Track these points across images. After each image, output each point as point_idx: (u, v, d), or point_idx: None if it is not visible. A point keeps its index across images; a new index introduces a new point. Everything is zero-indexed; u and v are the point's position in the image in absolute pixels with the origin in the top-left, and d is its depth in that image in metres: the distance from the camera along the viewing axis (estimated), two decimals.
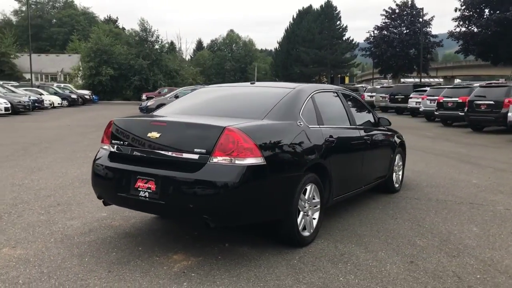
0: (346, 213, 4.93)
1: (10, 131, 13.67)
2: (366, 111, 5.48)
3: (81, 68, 42.72)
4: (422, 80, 43.29)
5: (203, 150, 3.23)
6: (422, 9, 41.70)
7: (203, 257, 3.53)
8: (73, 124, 16.54)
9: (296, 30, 60.93)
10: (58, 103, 28.81)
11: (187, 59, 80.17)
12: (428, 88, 22.45)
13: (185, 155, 3.28)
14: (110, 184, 3.59)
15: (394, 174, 5.97)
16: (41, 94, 27.79)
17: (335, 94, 4.83)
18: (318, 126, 4.08)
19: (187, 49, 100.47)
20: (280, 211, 3.57)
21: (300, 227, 3.78)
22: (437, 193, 6.05)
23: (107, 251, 3.59)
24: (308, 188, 3.85)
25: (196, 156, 3.24)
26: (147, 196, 3.33)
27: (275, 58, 67.10)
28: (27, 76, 54.57)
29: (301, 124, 3.84)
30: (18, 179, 6.20)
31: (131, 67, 42.04)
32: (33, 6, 75.69)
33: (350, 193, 4.78)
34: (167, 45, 45.92)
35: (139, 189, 3.38)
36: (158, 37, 44.11)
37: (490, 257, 3.73)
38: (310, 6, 62.43)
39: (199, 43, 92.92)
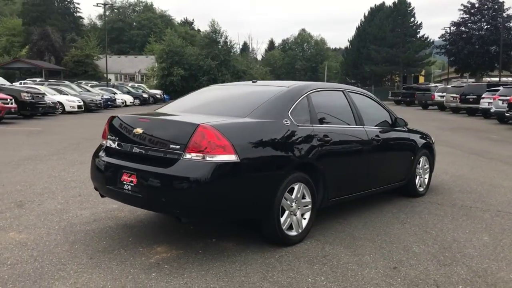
0: (352, 215, 4.82)
1: (75, 127, 14.74)
2: (381, 112, 5.29)
3: (154, 69, 44.82)
4: (504, 79, 40.30)
5: (178, 146, 3.36)
6: (503, 3, 38.84)
7: (184, 250, 3.65)
8: None
9: (367, 28, 59.38)
10: (130, 102, 30.50)
11: (259, 58, 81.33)
12: (501, 88, 20.90)
13: (162, 151, 3.43)
14: (102, 177, 3.83)
15: (417, 177, 5.71)
16: (114, 93, 29.60)
17: (340, 93, 4.73)
18: (310, 126, 4.04)
19: (258, 49, 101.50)
20: (259, 209, 3.59)
21: (285, 226, 3.77)
22: (466, 199, 5.70)
23: (99, 240, 3.84)
24: (296, 187, 3.83)
25: (171, 152, 3.37)
26: (129, 189, 3.52)
27: (345, 57, 65.89)
28: (109, 76, 58.39)
29: (287, 123, 3.82)
30: (57, 171, 6.74)
31: (200, 67, 43.42)
32: (115, 10, 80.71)
33: (353, 195, 4.67)
34: (236, 45, 46.95)
35: (124, 182, 3.57)
36: (226, 38, 45.18)
37: (485, 268, 3.49)
38: (383, 3, 60.53)
39: (271, 43, 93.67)
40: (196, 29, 77.79)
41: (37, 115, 17.74)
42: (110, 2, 78.87)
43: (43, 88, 20.58)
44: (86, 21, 79.01)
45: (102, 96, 24.87)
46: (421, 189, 5.84)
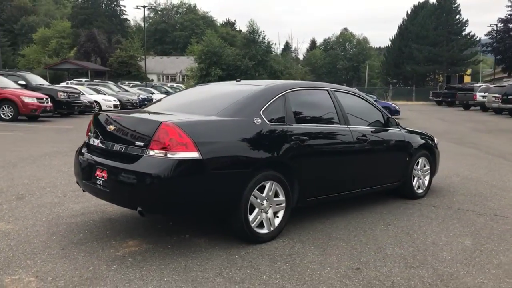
0: (337, 215, 4.78)
1: None
2: (373, 112, 5.21)
3: (193, 69, 45.61)
4: None
5: (142, 143, 3.48)
6: None
7: (155, 245, 3.77)
8: None
9: (409, 26, 57.81)
10: None
11: (301, 58, 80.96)
12: None
13: (129, 147, 3.56)
14: (81, 172, 4.01)
15: (415, 178, 5.58)
16: (152, 93, 30.40)
17: (325, 93, 4.70)
18: (284, 125, 4.06)
19: (298, 49, 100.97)
20: (224, 206, 3.65)
21: (255, 224, 3.81)
22: (466, 202, 5.53)
23: (78, 232, 4.02)
24: (267, 185, 3.86)
25: (136, 149, 3.50)
26: (100, 184, 3.68)
27: (386, 56, 64.44)
28: (151, 77, 59.99)
29: (258, 122, 3.86)
30: (68, 167, 7.05)
31: (237, 67, 43.75)
32: (159, 12, 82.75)
33: (336, 195, 4.65)
34: (276, 45, 46.99)
35: (97, 177, 3.74)
36: (264, 38, 45.27)
37: (452, 272, 3.41)
38: (427, 1, 58.71)
39: (313, 43, 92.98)
40: (238, 29, 78.55)
41: (74, 114, 18.53)
42: (154, 5, 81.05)
43: (82, 88, 21.48)
44: (131, 23, 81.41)
45: (139, 95, 25.60)
46: (420, 191, 5.70)
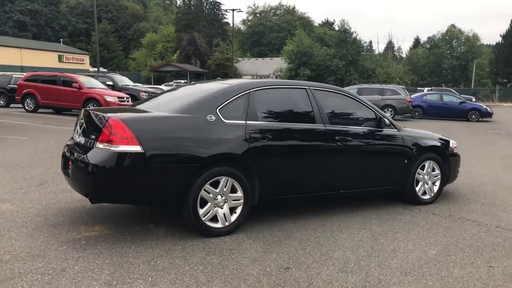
0: (318, 215, 4.72)
1: None
2: (363, 112, 5.02)
3: (282, 70, 46.12)
4: None
5: (94, 137, 3.82)
6: None
7: (115, 231, 4.08)
8: None
9: None
10: None
11: (403, 57, 77.27)
12: None
13: (87, 140, 3.92)
14: (61, 163, 4.47)
15: (420, 183, 5.27)
16: None
17: (302, 91, 4.65)
18: (243, 122, 4.12)
19: (398, 48, 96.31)
20: (170, 198, 3.84)
21: (206, 218, 3.94)
22: (475, 212, 5.10)
23: (60, 216, 4.48)
24: (222, 181, 3.98)
25: (91, 141, 3.85)
26: (69, 173, 4.09)
27: (496, 54, 58.99)
28: (245, 77, 61.79)
29: (211, 119, 3.99)
30: None
31: (327, 68, 43.38)
32: (258, 15, 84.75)
33: (307, 195, 4.59)
34: (375, 44, 45.63)
35: (69, 167, 4.16)
36: (356, 37, 44.24)
37: (383, 280, 3.25)
38: None
39: (416, 41, 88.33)
40: (336, 29, 77.54)
41: None
42: (252, 7, 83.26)
43: (166, 88, 22.98)
44: (231, 26, 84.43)
45: None
46: (426, 197, 5.36)
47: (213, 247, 3.79)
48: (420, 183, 5.31)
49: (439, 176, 5.46)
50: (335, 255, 3.71)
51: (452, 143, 5.69)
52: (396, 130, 5.14)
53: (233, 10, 47.45)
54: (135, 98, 17.71)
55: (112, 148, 3.64)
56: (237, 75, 60.11)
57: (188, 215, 3.88)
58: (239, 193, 4.10)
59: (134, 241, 3.86)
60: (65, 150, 4.39)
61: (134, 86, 19.32)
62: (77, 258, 3.45)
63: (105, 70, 55.55)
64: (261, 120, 4.27)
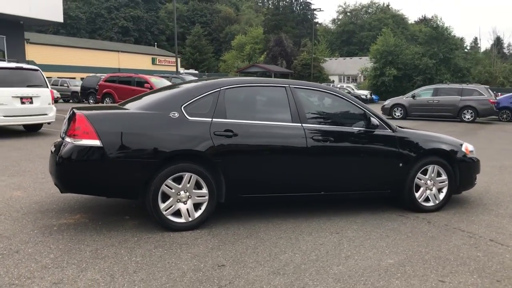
0: (295, 218, 4.62)
1: None
2: (352, 112, 4.79)
3: (367, 69, 44.70)
4: None
5: (65, 131, 4.12)
6: None
7: (91, 220, 4.35)
8: None
9: None
10: None
11: None
12: None
13: (63, 136, 4.24)
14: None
15: (421, 189, 4.91)
16: None
17: (281, 90, 4.56)
18: (209, 119, 4.17)
19: (508, 45, 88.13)
20: (130, 191, 4.02)
21: (168, 212, 4.06)
22: (474, 222, 4.67)
23: (52, 203, 4.85)
24: (185, 177, 4.07)
25: (63, 136, 4.16)
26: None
27: None
28: (332, 78, 60.90)
29: (174, 116, 4.09)
30: None
31: (415, 67, 41.21)
32: (348, 14, 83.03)
33: (281, 195, 4.51)
34: (478, 41, 42.40)
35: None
36: (449, 34, 41.42)
37: (308, 284, 3.13)
38: None
39: None
40: (435, 26, 73.28)
41: None
42: (343, 6, 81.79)
43: None
44: (321, 26, 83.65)
45: None
46: (429, 204, 4.97)
47: (167, 240, 3.90)
48: (422, 188, 4.93)
49: (446, 183, 5.02)
50: (282, 257, 3.62)
51: (466, 147, 5.20)
52: (390, 131, 4.83)
53: (313, 10, 46.90)
54: None
55: (75, 142, 3.91)
56: (323, 75, 59.56)
57: (150, 209, 4.03)
58: (204, 190, 4.16)
59: (101, 230, 4.10)
60: (51, 146, 4.77)
61: None
62: (37, 242, 3.76)
63: (196, 71, 58.23)
64: (230, 118, 4.28)
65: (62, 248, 3.65)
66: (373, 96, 38.70)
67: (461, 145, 5.20)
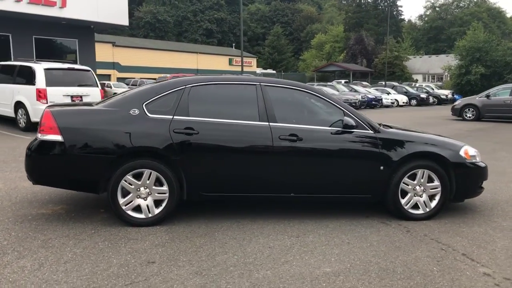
0: (265, 220, 4.50)
1: None
2: (331, 112, 4.54)
3: (451, 68, 41.83)
4: None
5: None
6: None
7: (68, 212, 4.58)
8: None
9: None
10: (403, 102, 29.98)
11: None
12: None
13: None
14: None
15: (408, 195, 4.54)
16: (388, 93, 29.89)
17: (251, 88, 4.44)
18: (170, 117, 4.20)
19: None
20: (91, 185, 4.17)
21: (128, 207, 4.16)
22: (462, 235, 4.22)
23: (39, 193, 5.15)
24: (145, 173, 4.15)
25: None
26: None
27: None
28: (416, 77, 58.01)
29: (134, 113, 4.17)
30: None
31: (507, 64, 37.80)
32: (437, 9, 78.46)
33: (246, 195, 4.39)
34: None
35: None
36: None
37: (219, 286, 3.03)
38: None
39: None
40: None
41: None
42: (431, 1, 77.48)
43: None
44: (406, 23, 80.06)
45: (365, 95, 25.76)
46: (418, 212, 4.59)
47: (120, 235, 3.99)
48: (409, 194, 4.55)
49: (439, 189, 4.58)
50: (219, 258, 3.55)
51: (466, 151, 4.69)
52: (371, 131, 4.51)
53: (389, 6, 44.85)
54: None
55: (41, 137, 4.15)
56: (405, 73, 56.96)
57: (111, 204, 4.16)
58: (165, 187, 4.20)
59: (68, 221, 4.31)
60: None
61: None
62: (2, 229, 4.05)
63: (273, 71, 58.65)
64: (193, 115, 4.27)
65: (20, 236, 3.90)
66: (456, 96, 36.11)
67: (461, 148, 4.70)
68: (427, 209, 4.60)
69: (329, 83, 30.12)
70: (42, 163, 4.19)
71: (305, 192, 4.46)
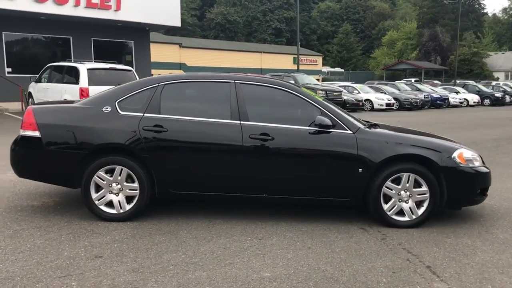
0: (238, 220, 4.42)
1: None
2: (308, 110, 4.33)
3: None
4: None
5: None
6: None
7: (56, 204, 4.80)
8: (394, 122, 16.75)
9: None
10: (474, 102, 27.99)
11: None
12: None
13: None
14: None
15: (392, 200, 4.25)
16: (457, 92, 28.13)
17: (225, 85, 4.36)
18: (140, 114, 4.24)
19: None
20: (66, 180, 4.33)
21: (100, 202, 4.27)
22: (440, 246, 3.82)
23: (42, 186, 5.43)
24: (116, 170, 4.24)
25: None
26: None
27: None
28: (497, 75, 54.05)
29: (106, 110, 4.27)
30: None
31: None
32: None
33: (219, 194, 4.32)
34: None
35: None
36: None
37: (145, 284, 3.02)
38: None
39: None
40: None
41: None
42: None
43: (360, 87, 22.65)
44: (489, 17, 74.87)
45: (428, 95, 24.44)
46: (403, 219, 4.27)
47: (88, 229, 4.09)
48: (393, 199, 4.24)
49: (427, 195, 4.22)
50: (165, 256, 3.53)
51: (460, 154, 4.28)
52: (350, 131, 4.24)
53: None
54: None
55: (22, 133, 4.38)
56: (485, 71, 53.33)
57: (84, 199, 4.29)
58: (136, 184, 4.26)
59: (50, 214, 4.49)
60: None
61: (314, 84, 19.79)
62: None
63: (341, 70, 57.49)
64: (164, 113, 4.29)
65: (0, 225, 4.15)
66: None
67: (454, 151, 4.29)
68: (414, 216, 4.25)
69: (390, 82, 28.91)
70: (23, 158, 4.42)
71: (279, 193, 4.31)
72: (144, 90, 4.38)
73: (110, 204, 4.31)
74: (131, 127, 4.23)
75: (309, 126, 4.27)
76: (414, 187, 4.23)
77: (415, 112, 21.57)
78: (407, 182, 4.21)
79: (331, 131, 4.23)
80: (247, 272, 3.25)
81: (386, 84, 25.85)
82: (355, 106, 20.44)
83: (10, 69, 15.84)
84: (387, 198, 4.26)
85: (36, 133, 4.28)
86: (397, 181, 4.22)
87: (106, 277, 3.13)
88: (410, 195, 4.24)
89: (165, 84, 4.41)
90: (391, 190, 4.22)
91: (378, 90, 23.64)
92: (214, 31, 74.07)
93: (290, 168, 4.24)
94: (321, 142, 4.23)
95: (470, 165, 4.30)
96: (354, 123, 4.33)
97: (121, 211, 4.29)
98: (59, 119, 4.36)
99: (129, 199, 4.31)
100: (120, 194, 4.29)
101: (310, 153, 4.23)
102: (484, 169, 4.38)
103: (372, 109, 21.62)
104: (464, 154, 4.31)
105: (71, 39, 16.81)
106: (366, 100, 21.55)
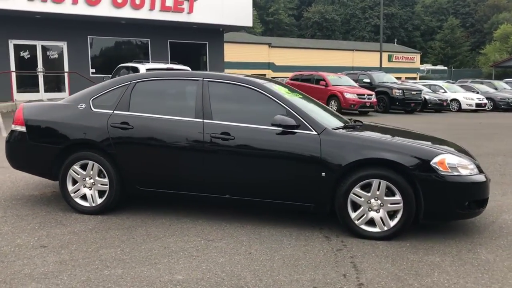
0: (210, 221, 4.34)
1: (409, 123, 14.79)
2: (275, 110, 4.08)
3: None
4: None
5: None
6: None
7: (54, 195, 5.13)
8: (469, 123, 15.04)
9: None
10: None
11: None
12: None
13: None
14: None
15: (361, 208, 3.87)
16: None
17: (192, 83, 4.28)
18: (110, 111, 4.35)
19: None
20: (49, 173, 4.58)
21: (76, 195, 4.47)
22: (405, 261, 3.39)
23: (40, 180, 5.81)
24: (89, 165, 4.41)
25: None
26: None
27: None
28: None
29: (81, 107, 4.44)
30: None
31: None
32: None
33: (182, 193, 4.27)
34: None
35: None
36: None
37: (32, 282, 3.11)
38: None
39: None
40: None
41: (414, 111, 18.40)
42: None
43: (447, 86, 20.91)
44: None
45: None
46: (374, 230, 3.87)
47: (58, 219, 4.28)
48: (362, 208, 3.85)
49: (401, 205, 3.76)
50: (101, 251, 3.56)
51: (441, 160, 3.73)
52: (315, 132, 3.92)
53: None
54: (388, 95, 17.44)
55: (13, 127, 4.74)
56: None
57: (61, 192, 4.53)
58: (106, 179, 4.39)
59: (41, 204, 4.80)
60: None
61: (391, 83, 18.68)
62: None
63: (445, 68, 53.75)
64: (133, 111, 4.35)
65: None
66: None
67: (435, 156, 3.76)
68: (385, 228, 3.82)
69: (486, 80, 26.24)
70: (14, 151, 4.77)
71: (241, 195, 4.14)
72: (117, 87, 4.49)
73: (84, 197, 4.49)
74: (100, 124, 4.36)
75: (267, 125, 4.05)
76: (387, 196, 3.79)
77: (510, 114, 19.40)
78: (378, 190, 3.79)
79: (296, 132, 3.96)
80: (161, 273, 3.16)
81: (482, 83, 23.55)
82: (439, 107, 18.97)
83: (94, 70, 17.34)
84: (357, 206, 3.87)
85: (23, 128, 4.61)
86: (368, 188, 3.82)
87: (30, 267, 3.26)
88: (382, 204, 3.81)
89: (137, 82, 4.47)
90: (360, 197, 3.83)
91: (469, 89, 21.65)
92: (311, 30, 73.66)
93: (251, 169, 4.06)
94: (283, 142, 3.98)
95: (455, 173, 3.73)
96: (320, 123, 4.00)
97: (93, 204, 4.45)
98: (41, 115, 4.64)
99: (101, 193, 4.45)
100: (93, 188, 4.45)
101: (272, 153, 4.00)
102: (476, 179, 3.78)
103: (460, 109, 19.87)
104: (447, 160, 3.75)
105: (149, 41, 17.88)
106: (453, 100, 19.85)
